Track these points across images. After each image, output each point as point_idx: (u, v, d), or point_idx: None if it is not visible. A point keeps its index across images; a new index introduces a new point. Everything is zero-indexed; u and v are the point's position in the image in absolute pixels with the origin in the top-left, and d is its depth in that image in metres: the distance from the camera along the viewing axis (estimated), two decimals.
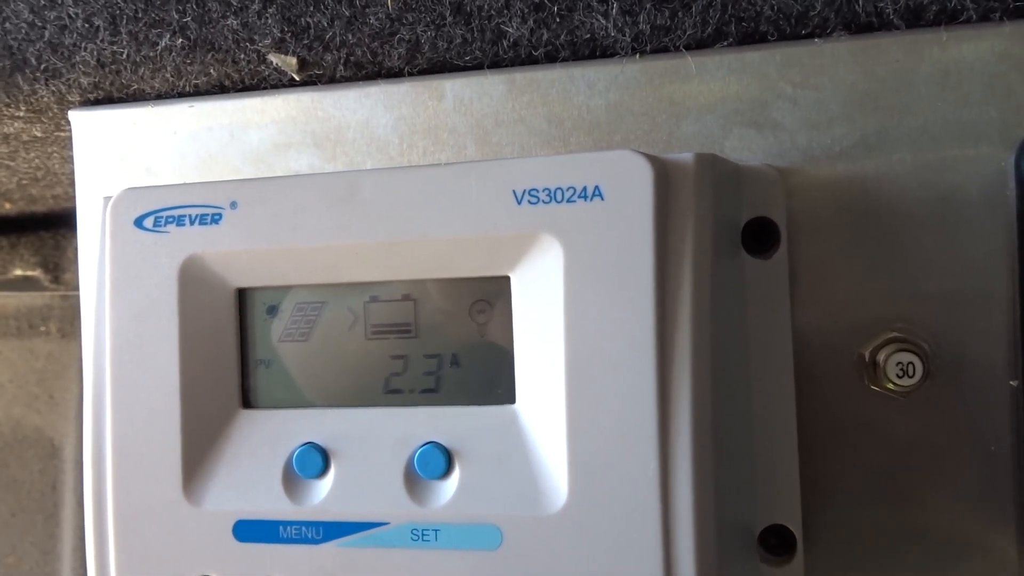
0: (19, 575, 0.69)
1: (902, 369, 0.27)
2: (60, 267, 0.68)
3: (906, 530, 0.28)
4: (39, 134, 0.40)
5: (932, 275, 0.28)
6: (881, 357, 0.28)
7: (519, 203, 0.24)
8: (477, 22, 0.30)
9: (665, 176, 0.24)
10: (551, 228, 0.24)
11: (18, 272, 0.66)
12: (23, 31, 0.33)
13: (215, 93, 0.34)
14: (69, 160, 0.45)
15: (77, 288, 0.68)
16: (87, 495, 0.28)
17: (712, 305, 0.25)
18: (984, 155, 0.28)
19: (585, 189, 0.24)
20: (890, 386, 0.28)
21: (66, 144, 0.42)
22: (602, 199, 0.24)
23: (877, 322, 0.28)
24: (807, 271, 0.29)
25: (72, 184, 0.52)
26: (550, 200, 0.24)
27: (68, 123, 0.36)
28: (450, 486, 0.25)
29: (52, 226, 0.66)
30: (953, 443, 0.28)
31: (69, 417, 0.71)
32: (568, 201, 0.24)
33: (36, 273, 0.67)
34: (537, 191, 0.24)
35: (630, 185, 0.24)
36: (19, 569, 0.69)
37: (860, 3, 0.28)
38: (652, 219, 0.24)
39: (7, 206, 0.61)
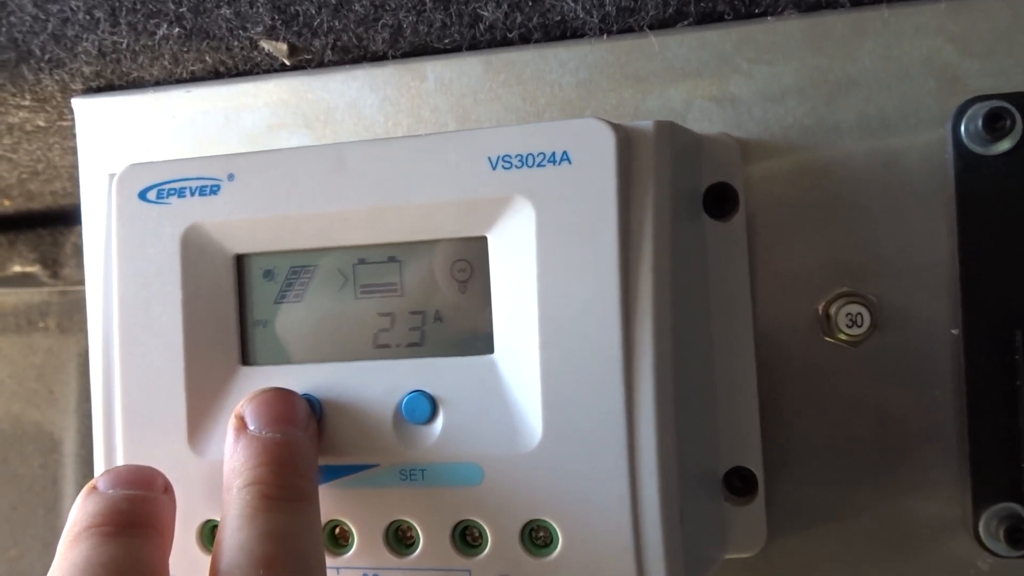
0: (21, 568, 0.70)
1: (851, 320, 0.29)
2: (58, 263, 0.69)
3: (858, 471, 0.30)
4: (42, 123, 0.42)
5: (879, 234, 0.30)
6: (833, 310, 0.30)
7: (494, 168, 0.26)
8: (455, 7, 0.32)
9: (627, 141, 0.26)
10: (524, 191, 0.26)
11: (16, 268, 0.68)
12: (27, 24, 0.35)
13: (211, 79, 0.36)
14: (69, 152, 0.47)
15: (75, 284, 0.69)
16: (97, 448, 0.30)
17: (673, 261, 0.27)
18: (924, 123, 0.30)
19: (554, 154, 0.26)
20: (841, 336, 0.30)
21: (67, 134, 0.44)
22: (570, 163, 0.26)
23: (828, 279, 0.30)
24: (764, 233, 0.31)
25: (71, 178, 0.54)
26: (522, 165, 0.26)
27: (71, 112, 0.38)
28: (435, 430, 0.27)
29: (50, 223, 0.67)
30: (901, 389, 0.30)
31: (68, 411, 0.71)
32: (539, 166, 0.26)
33: (34, 269, 0.68)
34: (510, 157, 0.26)
35: (595, 150, 0.26)
36: (21, 562, 0.70)
37: None
38: (615, 181, 0.26)
39: (6, 203, 0.63)
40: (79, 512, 0.25)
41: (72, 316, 0.72)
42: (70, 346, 0.72)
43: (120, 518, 0.25)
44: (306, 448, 0.26)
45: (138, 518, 0.25)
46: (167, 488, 0.27)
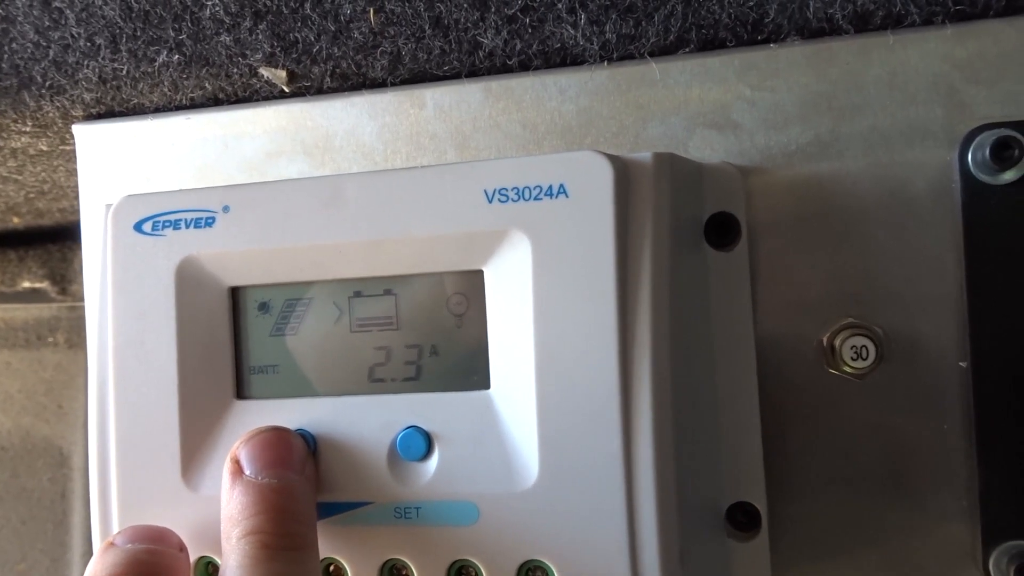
0: None
1: (856, 352, 0.29)
2: (67, 279, 0.69)
3: (864, 505, 0.30)
4: (45, 148, 0.42)
5: (884, 264, 0.30)
6: (837, 342, 0.29)
7: (490, 202, 0.26)
8: (454, 34, 0.32)
9: (625, 174, 0.26)
10: (520, 224, 0.26)
11: (26, 284, 0.68)
12: (29, 51, 0.35)
13: (210, 106, 0.36)
14: (74, 173, 0.47)
15: (84, 300, 0.70)
16: (92, 482, 0.29)
17: (672, 294, 0.26)
18: (930, 151, 0.29)
19: (551, 188, 0.26)
20: (846, 369, 0.29)
21: (71, 158, 0.44)
22: (567, 196, 0.26)
23: (833, 310, 0.30)
24: (767, 262, 0.30)
25: (78, 196, 0.54)
26: (519, 198, 0.26)
27: (72, 137, 0.38)
28: (430, 467, 0.27)
29: (59, 239, 0.67)
30: (907, 422, 0.30)
31: (77, 426, 0.72)
32: (535, 199, 0.26)
33: (44, 285, 0.68)
34: (507, 190, 0.26)
35: (592, 183, 0.26)
36: None
37: (812, 10, 0.30)
38: (613, 214, 0.25)
39: (15, 220, 0.63)
40: (98, 564, 0.25)
41: (81, 332, 0.72)
42: (79, 361, 0.72)
43: (142, 568, 0.25)
44: (304, 492, 0.26)
45: (157, 569, 0.25)
46: (182, 547, 0.27)
